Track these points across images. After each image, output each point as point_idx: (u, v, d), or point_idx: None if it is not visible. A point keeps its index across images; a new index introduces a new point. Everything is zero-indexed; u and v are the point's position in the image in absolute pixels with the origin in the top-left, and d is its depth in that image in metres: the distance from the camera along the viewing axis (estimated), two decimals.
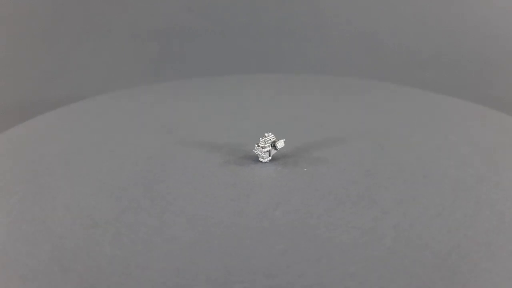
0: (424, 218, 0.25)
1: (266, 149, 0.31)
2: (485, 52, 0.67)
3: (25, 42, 0.68)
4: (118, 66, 0.67)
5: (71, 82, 0.64)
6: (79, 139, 0.35)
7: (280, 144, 0.31)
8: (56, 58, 0.67)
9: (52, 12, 0.70)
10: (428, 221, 0.25)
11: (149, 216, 0.26)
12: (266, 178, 0.29)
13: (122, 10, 0.71)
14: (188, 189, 0.28)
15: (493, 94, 0.60)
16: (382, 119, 0.38)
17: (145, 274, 0.21)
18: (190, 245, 0.23)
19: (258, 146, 0.31)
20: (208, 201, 0.27)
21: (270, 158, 0.31)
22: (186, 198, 0.27)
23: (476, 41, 0.68)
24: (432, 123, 0.38)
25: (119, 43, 0.69)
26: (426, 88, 0.47)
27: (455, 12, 0.71)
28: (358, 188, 0.28)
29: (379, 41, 0.70)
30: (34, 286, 0.21)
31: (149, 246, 0.23)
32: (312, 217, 0.25)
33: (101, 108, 0.42)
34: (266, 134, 0.31)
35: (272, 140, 0.31)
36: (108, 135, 0.36)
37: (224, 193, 0.27)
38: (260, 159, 0.31)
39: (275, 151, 0.31)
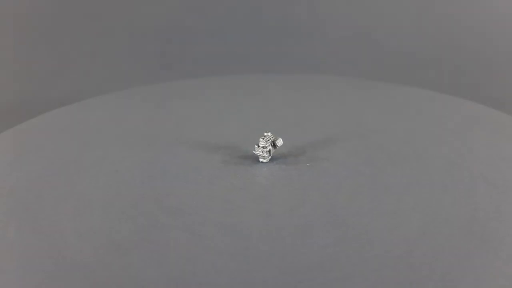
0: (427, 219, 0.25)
1: (267, 149, 0.31)
2: (485, 52, 0.67)
3: (25, 42, 0.68)
4: (117, 66, 0.67)
5: (71, 82, 0.64)
6: (78, 139, 0.35)
7: (280, 142, 0.31)
8: (56, 58, 0.67)
9: (52, 12, 0.70)
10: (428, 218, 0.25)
11: (174, 229, 0.25)
12: (275, 179, 0.29)
13: (122, 10, 0.71)
14: (202, 196, 0.28)
15: (493, 94, 0.60)
16: (382, 118, 0.38)
17: None
18: (229, 252, 0.23)
19: (259, 146, 0.30)
20: (229, 207, 0.27)
21: (270, 157, 0.31)
22: (204, 206, 0.27)
23: (476, 41, 0.68)
24: (431, 122, 0.37)
25: (119, 43, 0.69)
26: (426, 88, 0.47)
27: (455, 12, 0.70)
28: (359, 185, 0.28)
29: (379, 41, 0.70)
30: None
31: (191, 261, 0.23)
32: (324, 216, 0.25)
33: (99, 108, 0.42)
34: (266, 134, 0.31)
35: (271, 139, 0.31)
36: (107, 136, 0.36)
37: (239, 197, 0.28)
38: (261, 159, 0.31)
39: (274, 149, 0.31)
